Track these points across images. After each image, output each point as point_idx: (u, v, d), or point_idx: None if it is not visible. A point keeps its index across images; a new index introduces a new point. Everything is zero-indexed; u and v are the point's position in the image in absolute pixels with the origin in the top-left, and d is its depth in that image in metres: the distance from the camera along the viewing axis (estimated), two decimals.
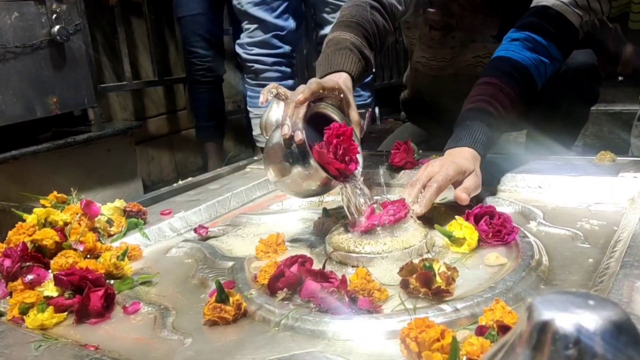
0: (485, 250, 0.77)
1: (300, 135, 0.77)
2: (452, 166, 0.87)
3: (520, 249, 0.74)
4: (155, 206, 1.11)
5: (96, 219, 0.94)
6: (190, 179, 1.27)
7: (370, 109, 2.14)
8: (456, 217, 0.80)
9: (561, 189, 0.98)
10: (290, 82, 2.06)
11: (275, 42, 2.02)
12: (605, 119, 2.93)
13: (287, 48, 2.06)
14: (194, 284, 0.79)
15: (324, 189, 0.83)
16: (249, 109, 2.14)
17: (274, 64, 2.03)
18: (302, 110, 0.80)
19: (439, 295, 0.62)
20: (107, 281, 0.79)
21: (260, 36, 2.01)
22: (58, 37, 1.93)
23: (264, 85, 2.14)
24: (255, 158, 1.43)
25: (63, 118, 2.14)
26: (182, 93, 2.78)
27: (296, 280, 0.67)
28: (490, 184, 1.05)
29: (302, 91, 0.82)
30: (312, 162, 0.77)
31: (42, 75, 1.92)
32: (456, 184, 0.89)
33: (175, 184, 1.24)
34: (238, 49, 2.09)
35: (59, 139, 2.01)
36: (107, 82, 2.43)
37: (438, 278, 0.63)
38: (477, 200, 0.93)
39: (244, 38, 2.06)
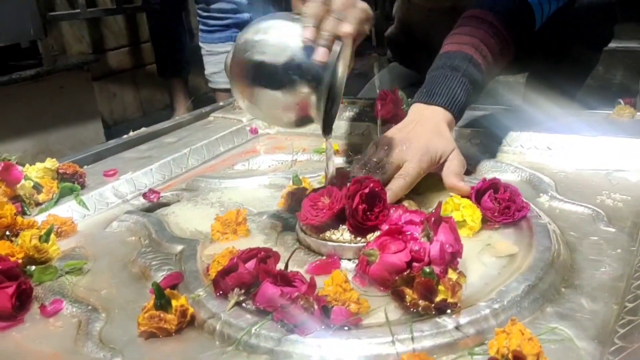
0: (488, 234, 0.64)
1: (324, 54, 0.57)
2: (427, 157, 0.70)
3: (534, 235, 0.60)
4: (98, 164, 0.95)
5: (19, 185, 0.77)
6: (143, 129, 1.09)
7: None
8: (451, 194, 0.66)
9: (574, 151, 0.84)
10: (246, 15, 1.82)
11: None
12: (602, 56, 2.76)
13: None
14: (133, 272, 0.64)
15: (297, 125, 0.64)
16: (200, 44, 1.91)
17: None
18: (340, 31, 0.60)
19: (443, 310, 0.48)
20: (28, 267, 0.65)
21: None
22: None
23: (216, 18, 1.89)
24: (221, 104, 1.26)
25: (9, 52, 1.91)
26: (145, 23, 2.52)
27: (250, 279, 0.53)
28: (490, 142, 0.90)
29: (350, 20, 0.61)
30: (320, 97, 0.58)
31: None
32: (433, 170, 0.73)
33: (125, 136, 1.06)
34: None
35: (3, 75, 1.79)
36: (58, 10, 2.16)
37: (442, 287, 0.49)
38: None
39: None
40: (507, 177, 0.79)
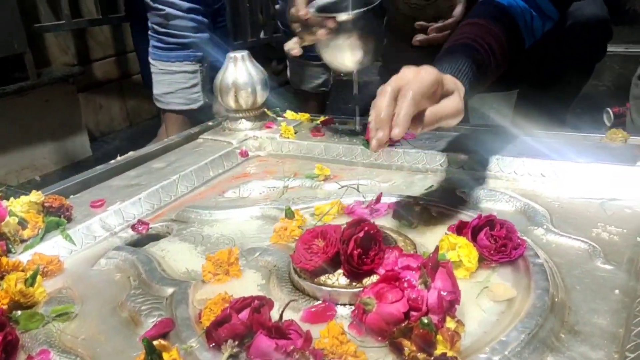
0: (485, 274, 0.63)
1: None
2: (430, 70, 0.65)
3: (531, 275, 0.60)
4: (85, 193, 0.92)
5: (3, 222, 0.75)
6: (131, 153, 1.07)
7: None
8: (447, 232, 0.65)
9: (568, 178, 0.83)
10: (205, 34, 1.69)
11: None
12: None
13: None
14: (122, 317, 0.62)
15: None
16: (151, 61, 1.72)
17: (190, 10, 1.64)
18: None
19: None
20: (13, 313, 0.63)
21: None
22: None
23: (172, 35, 1.75)
24: (210, 123, 1.24)
25: None
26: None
27: (243, 330, 0.52)
28: (482, 169, 0.89)
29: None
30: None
31: None
32: (433, 98, 0.67)
33: (112, 161, 1.04)
34: None
35: None
36: (42, 21, 2.12)
37: (440, 337, 0.48)
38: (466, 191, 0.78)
39: None
40: (501, 207, 0.79)
